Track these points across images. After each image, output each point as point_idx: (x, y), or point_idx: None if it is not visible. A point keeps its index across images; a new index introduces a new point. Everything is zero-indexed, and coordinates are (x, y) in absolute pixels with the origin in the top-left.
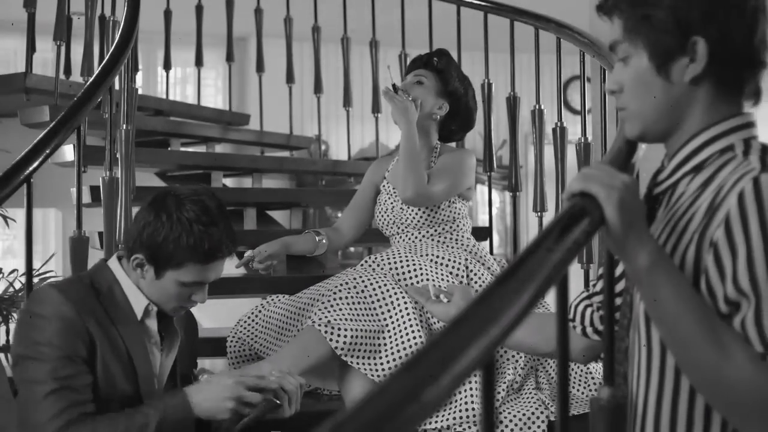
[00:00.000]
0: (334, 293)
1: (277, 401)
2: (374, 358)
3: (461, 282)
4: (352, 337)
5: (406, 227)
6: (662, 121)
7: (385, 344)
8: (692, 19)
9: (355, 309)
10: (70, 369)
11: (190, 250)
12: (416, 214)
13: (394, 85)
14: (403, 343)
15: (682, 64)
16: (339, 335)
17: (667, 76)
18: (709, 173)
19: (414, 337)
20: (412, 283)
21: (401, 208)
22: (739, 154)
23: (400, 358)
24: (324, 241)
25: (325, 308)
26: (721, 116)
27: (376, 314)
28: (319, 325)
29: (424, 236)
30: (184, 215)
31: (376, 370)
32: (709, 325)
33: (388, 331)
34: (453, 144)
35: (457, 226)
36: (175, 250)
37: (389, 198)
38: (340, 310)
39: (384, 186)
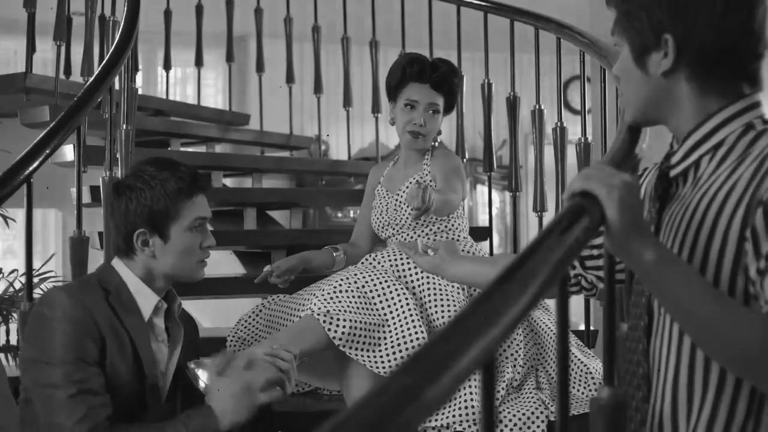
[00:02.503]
0: (335, 287)
1: (280, 392)
2: (374, 351)
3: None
4: (350, 328)
5: (401, 228)
6: (649, 109)
7: (386, 338)
8: (663, 18)
9: (356, 302)
10: (84, 372)
11: (177, 191)
12: (409, 213)
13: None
14: (404, 337)
15: (657, 58)
16: (338, 325)
17: (644, 69)
18: (742, 148)
19: (416, 331)
20: (412, 281)
21: (395, 209)
22: None
23: (401, 352)
24: (342, 256)
25: (324, 299)
26: (723, 101)
27: (377, 309)
28: (318, 314)
29: (419, 236)
30: (153, 172)
31: (377, 362)
32: (723, 301)
33: (389, 325)
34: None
35: (452, 225)
36: (166, 200)
37: (382, 200)
38: (340, 302)
39: (378, 190)
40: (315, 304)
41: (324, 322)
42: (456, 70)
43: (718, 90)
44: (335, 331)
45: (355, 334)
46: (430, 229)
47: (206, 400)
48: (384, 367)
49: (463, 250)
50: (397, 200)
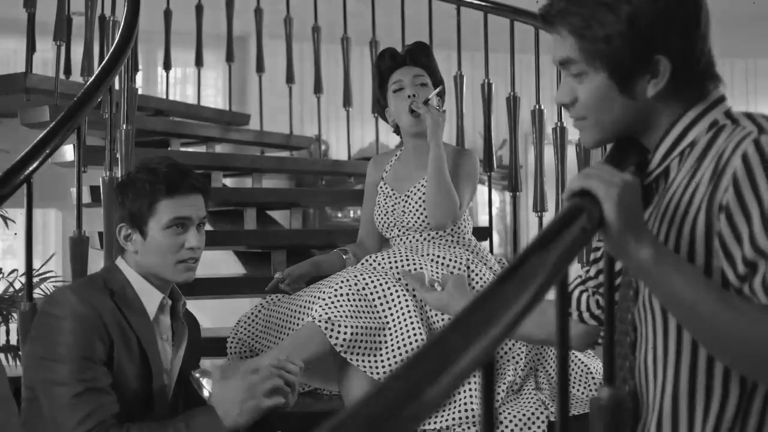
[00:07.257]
0: (335, 290)
1: (282, 399)
2: (374, 356)
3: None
4: (352, 334)
5: (407, 230)
6: (624, 129)
7: (386, 342)
8: (653, 39)
9: (356, 306)
10: (91, 370)
11: (154, 188)
12: (419, 218)
13: (426, 100)
14: (404, 340)
15: (644, 81)
16: (339, 332)
17: (630, 94)
18: (701, 147)
19: (415, 334)
20: None
21: (402, 212)
22: (727, 124)
23: (401, 355)
24: (352, 258)
25: (326, 305)
26: (692, 102)
27: (377, 312)
28: (320, 321)
29: (425, 239)
30: (142, 168)
31: (376, 368)
32: (723, 297)
33: (389, 329)
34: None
35: (458, 227)
36: (144, 195)
37: (388, 200)
38: (341, 306)
39: (382, 187)
40: (316, 311)
41: (326, 329)
42: (425, 43)
43: (692, 95)
44: (337, 338)
45: (356, 340)
46: (436, 232)
47: (209, 401)
48: (383, 372)
49: (466, 249)
50: (405, 202)
